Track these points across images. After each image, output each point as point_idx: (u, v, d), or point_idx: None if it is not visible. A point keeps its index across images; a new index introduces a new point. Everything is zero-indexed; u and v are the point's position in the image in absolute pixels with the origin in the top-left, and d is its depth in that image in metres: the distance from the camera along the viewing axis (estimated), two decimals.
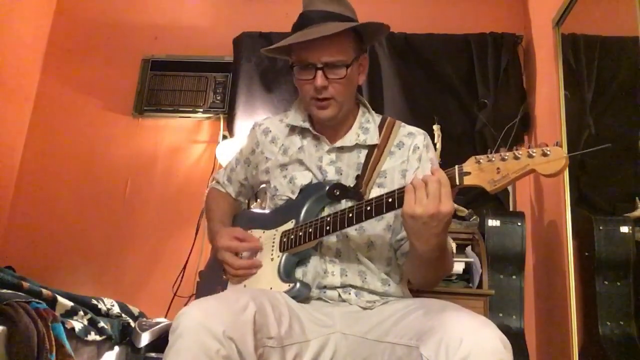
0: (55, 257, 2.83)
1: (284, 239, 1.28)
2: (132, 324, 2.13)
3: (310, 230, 1.23)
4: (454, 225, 2.21)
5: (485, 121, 2.58)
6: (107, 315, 2.05)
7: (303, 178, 1.34)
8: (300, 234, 1.24)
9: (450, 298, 1.70)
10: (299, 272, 1.27)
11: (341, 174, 1.33)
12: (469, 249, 2.17)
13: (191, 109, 2.96)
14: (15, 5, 2.92)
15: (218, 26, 3.09)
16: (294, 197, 1.33)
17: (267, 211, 1.42)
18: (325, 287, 1.25)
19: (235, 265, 1.30)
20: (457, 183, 1.01)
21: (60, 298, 1.74)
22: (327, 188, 1.28)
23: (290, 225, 1.29)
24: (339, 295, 1.25)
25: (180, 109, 2.96)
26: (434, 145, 2.35)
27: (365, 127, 1.37)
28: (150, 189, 2.91)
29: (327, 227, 1.20)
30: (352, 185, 1.29)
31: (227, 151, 2.58)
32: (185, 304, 2.51)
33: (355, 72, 1.32)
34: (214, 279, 1.40)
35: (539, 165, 0.93)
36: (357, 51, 1.31)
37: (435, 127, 2.43)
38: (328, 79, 1.25)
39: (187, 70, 3.00)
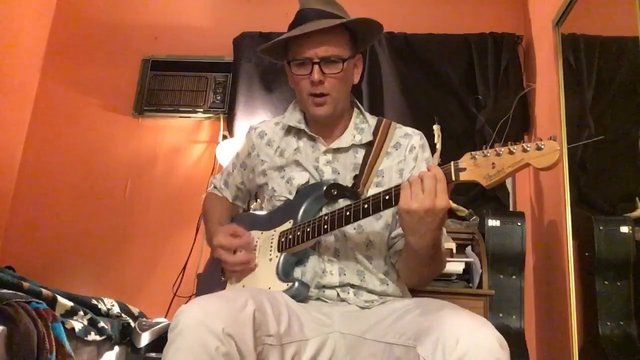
0: (55, 257, 2.83)
1: (282, 239, 1.28)
2: (132, 324, 2.13)
3: (308, 229, 1.23)
4: (454, 225, 2.21)
5: (484, 121, 2.58)
6: (107, 315, 2.05)
7: (300, 178, 1.34)
8: (299, 233, 1.24)
9: (450, 298, 1.70)
10: (297, 272, 1.27)
11: (338, 174, 1.33)
12: (469, 249, 2.17)
13: (191, 109, 2.96)
14: (15, 5, 2.92)
15: (218, 26, 3.09)
16: (291, 197, 1.33)
17: (264, 212, 1.42)
18: (324, 286, 1.26)
19: (230, 261, 1.30)
20: (453, 179, 1.02)
21: (60, 298, 1.74)
22: (325, 188, 1.28)
23: (288, 225, 1.30)
24: (338, 294, 1.25)
25: (180, 109, 2.97)
26: (434, 145, 2.35)
27: (360, 128, 1.38)
28: (150, 189, 2.91)
29: (325, 226, 1.20)
30: (349, 185, 1.29)
31: (227, 151, 2.58)
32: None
33: (350, 70, 1.33)
34: (212, 281, 1.40)
35: (533, 159, 0.94)
36: (352, 50, 1.33)
37: (435, 127, 2.43)
38: (324, 74, 1.26)
39: (187, 70, 3.00)
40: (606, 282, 1.85)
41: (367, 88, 2.73)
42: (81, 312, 1.83)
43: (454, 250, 2.02)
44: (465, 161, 1.02)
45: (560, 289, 2.13)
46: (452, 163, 1.03)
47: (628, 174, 1.91)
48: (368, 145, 1.34)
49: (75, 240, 2.85)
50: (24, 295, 1.57)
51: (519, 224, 2.16)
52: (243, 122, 2.80)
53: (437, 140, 2.40)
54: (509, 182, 2.65)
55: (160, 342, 2.05)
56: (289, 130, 1.42)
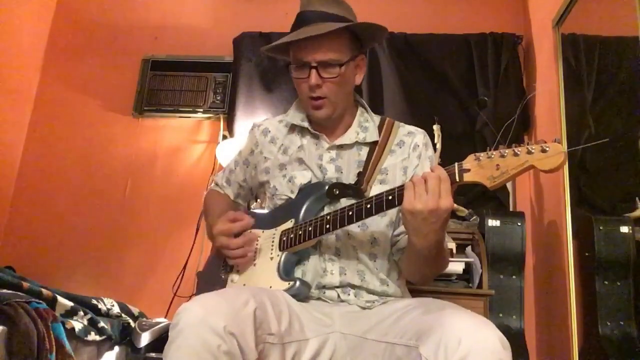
0: (55, 257, 2.83)
1: (284, 238, 1.28)
2: (132, 324, 2.13)
3: (309, 228, 1.23)
4: (454, 225, 2.21)
5: (486, 119, 2.58)
6: (107, 315, 2.05)
7: (302, 177, 1.34)
8: (300, 232, 1.25)
9: (450, 298, 1.70)
10: (298, 271, 1.27)
11: (341, 172, 1.33)
12: (469, 249, 2.17)
13: (191, 109, 2.96)
14: (15, 5, 2.92)
15: (218, 26, 3.09)
16: (293, 196, 1.33)
17: (266, 211, 1.42)
18: (324, 286, 1.26)
19: (231, 245, 1.29)
20: (457, 180, 1.02)
21: (60, 298, 1.74)
22: (327, 187, 1.28)
23: (289, 224, 1.30)
24: (338, 295, 1.25)
25: (180, 109, 2.96)
26: (434, 145, 2.35)
27: (364, 126, 1.38)
28: (150, 189, 2.91)
29: (327, 226, 1.20)
30: (352, 183, 1.29)
31: (227, 151, 2.58)
32: None
33: (350, 72, 1.32)
34: (212, 279, 1.40)
35: (538, 161, 0.94)
36: (354, 51, 1.32)
37: (435, 127, 2.43)
38: (322, 78, 1.26)
39: (187, 70, 3.00)
40: (606, 282, 1.85)
41: (367, 88, 2.73)
42: (81, 312, 1.83)
43: (454, 250, 2.02)
44: (469, 162, 1.02)
45: (560, 289, 2.13)
46: (456, 164, 1.03)
47: (628, 174, 1.91)
48: (372, 144, 1.34)
49: (75, 240, 2.85)
50: (24, 295, 1.57)
51: (519, 224, 2.16)
52: (243, 122, 2.80)
53: (437, 140, 2.40)
54: (509, 182, 2.64)
55: (160, 342, 2.05)
56: (293, 128, 1.42)
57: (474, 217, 2.23)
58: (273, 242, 1.31)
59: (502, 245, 2.14)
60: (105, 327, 1.91)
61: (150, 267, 2.79)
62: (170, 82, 3.00)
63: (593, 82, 2.12)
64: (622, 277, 1.83)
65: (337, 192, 1.27)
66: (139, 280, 2.77)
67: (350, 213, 1.17)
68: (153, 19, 3.15)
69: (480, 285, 1.95)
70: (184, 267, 2.65)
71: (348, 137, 1.35)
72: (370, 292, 1.26)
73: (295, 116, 1.41)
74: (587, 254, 1.94)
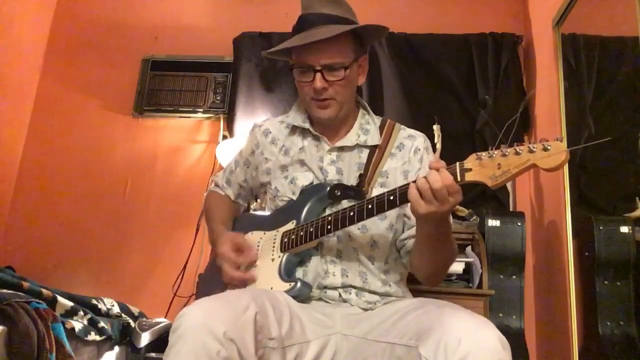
0: (55, 257, 2.83)
1: (285, 239, 1.28)
2: (132, 324, 2.13)
3: (311, 229, 1.23)
4: (454, 225, 2.20)
5: (488, 118, 2.58)
6: (107, 315, 2.05)
7: (304, 179, 1.34)
8: (302, 233, 1.24)
9: (450, 298, 1.70)
10: (299, 272, 1.27)
11: (342, 174, 1.33)
12: (469, 249, 2.17)
13: (191, 109, 2.96)
14: (15, 5, 2.92)
15: (218, 26, 3.09)
16: (295, 197, 1.33)
17: (267, 213, 1.42)
18: (325, 287, 1.25)
19: (228, 276, 1.29)
20: (459, 179, 1.02)
21: (60, 298, 1.74)
22: (328, 189, 1.28)
23: (291, 225, 1.30)
24: (340, 295, 1.25)
25: (180, 109, 2.96)
26: (434, 145, 2.35)
27: (365, 128, 1.38)
28: (150, 189, 2.91)
29: (329, 227, 1.20)
30: (354, 185, 1.29)
31: (227, 151, 2.58)
32: (185, 304, 2.51)
33: (354, 73, 1.32)
34: (214, 281, 1.40)
35: (540, 160, 0.93)
36: (357, 52, 1.31)
37: (435, 127, 2.43)
38: (327, 81, 1.26)
39: (187, 70, 3.00)
40: (606, 282, 1.85)
41: (367, 88, 2.73)
42: (81, 312, 1.83)
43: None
44: (470, 162, 1.02)
45: (560, 289, 2.13)
46: (457, 164, 1.03)
47: (628, 174, 1.91)
48: (372, 146, 1.34)
49: (75, 240, 2.85)
50: (24, 295, 1.57)
51: (519, 224, 2.16)
52: (243, 122, 2.80)
53: (437, 140, 2.40)
54: (509, 182, 2.64)
55: (160, 342, 2.05)
56: (294, 129, 1.41)
57: (474, 217, 2.23)
58: (274, 243, 1.31)
59: (502, 245, 2.14)
60: (105, 327, 1.91)
61: (150, 267, 2.79)
62: (170, 82, 3.00)
63: (593, 82, 2.12)
64: (622, 277, 1.83)
65: (339, 193, 1.27)
66: (139, 280, 2.77)
67: (352, 214, 1.16)
68: (153, 19, 3.15)
69: (480, 285, 1.95)
70: (184, 267, 2.65)
71: (349, 139, 1.35)
72: (372, 292, 1.26)
73: (296, 117, 1.41)
74: (587, 254, 1.94)
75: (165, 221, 2.85)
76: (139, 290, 2.73)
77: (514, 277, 2.16)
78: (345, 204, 1.26)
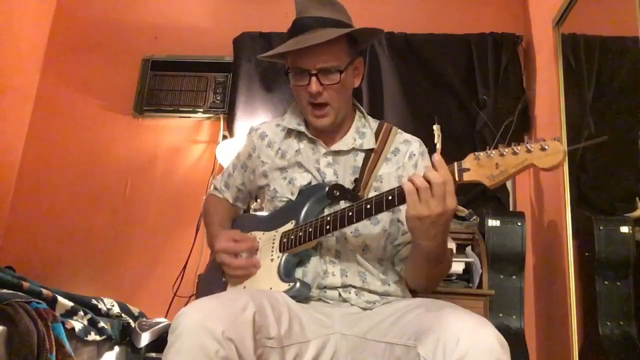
0: (55, 257, 2.83)
1: (284, 240, 1.28)
2: (132, 324, 2.13)
3: (310, 230, 1.23)
4: (454, 225, 2.21)
5: (486, 119, 2.58)
6: (107, 315, 2.05)
7: (303, 179, 1.34)
8: (301, 234, 1.24)
9: (450, 298, 1.70)
10: (299, 273, 1.27)
11: (338, 176, 1.33)
12: (469, 249, 2.17)
13: (191, 109, 2.96)
14: (15, 5, 2.92)
15: (218, 26, 3.09)
16: (293, 198, 1.33)
17: (266, 213, 1.42)
18: (325, 287, 1.25)
19: (233, 265, 1.30)
20: (457, 179, 1.02)
21: (60, 298, 1.74)
22: (327, 188, 1.28)
23: (290, 225, 1.30)
24: (340, 294, 1.25)
25: (180, 109, 2.96)
26: (434, 145, 2.35)
27: (361, 132, 1.38)
28: (150, 189, 2.91)
29: (327, 227, 1.20)
30: (349, 188, 1.29)
31: (227, 151, 2.58)
32: (185, 304, 2.51)
33: (350, 77, 1.32)
34: (213, 282, 1.40)
35: (537, 160, 0.94)
36: (352, 55, 1.32)
37: (435, 127, 2.43)
38: (322, 85, 1.26)
39: (187, 70, 3.00)
40: (606, 282, 1.85)
41: (367, 88, 2.73)
42: (81, 312, 1.83)
43: (454, 250, 2.02)
44: (468, 161, 1.02)
45: (560, 289, 2.13)
46: (455, 163, 1.03)
47: (628, 174, 1.91)
48: (368, 150, 1.34)
49: (75, 240, 2.85)
50: (24, 295, 1.57)
51: (519, 224, 2.16)
52: (243, 122, 2.80)
53: (437, 140, 2.40)
54: (509, 182, 2.65)
55: (160, 342, 2.05)
56: (290, 132, 1.41)
57: (474, 217, 2.23)
58: (273, 243, 1.31)
59: (502, 245, 2.14)
60: (105, 327, 1.91)
61: (150, 267, 2.79)
62: (170, 82, 3.00)
63: (593, 82, 2.12)
64: (622, 277, 1.83)
65: (338, 193, 1.27)
66: (139, 280, 2.77)
67: (350, 213, 1.16)
68: (153, 19, 3.15)
69: (480, 285, 1.95)
70: (184, 267, 2.65)
71: (345, 143, 1.35)
72: (371, 292, 1.26)
73: (291, 121, 1.41)
74: (587, 254, 1.94)
75: (165, 221, 2.85)
76: (139, 290, 2.73)
77: (514, 277, 2.16)
78: (343, 204, 1.26)
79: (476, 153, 1.01)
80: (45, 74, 3.12)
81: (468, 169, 1.01)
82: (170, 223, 2.84)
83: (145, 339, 2.04)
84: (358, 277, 1.26)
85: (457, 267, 1.98)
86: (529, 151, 0.95)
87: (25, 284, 1.64)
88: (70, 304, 1.79)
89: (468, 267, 2.01)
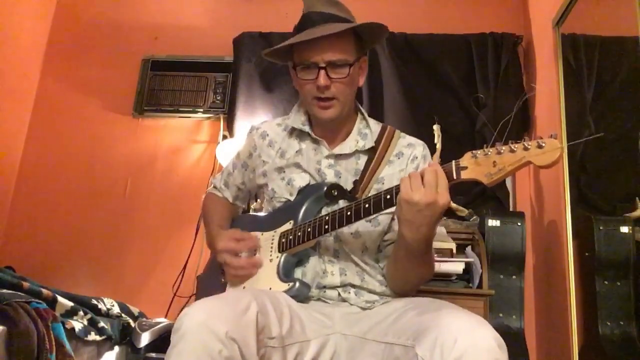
0: (55, 257, 2.83)
1: (283, 240, 1.28)
2: (132, 324, 2.14)
3: (308, 229, 1.23)
4: (454, 225, 2.21)
5: (486, 120, 2.58)
6: (107, 315, 2.05)
7: (301, 180, 1.34)
8: (299, 234, 1.24)
9: (450, 298, 1.70)
10: (298, 273, 1.27)
11: (340, 177, 1.33)
12: (469, 249, 2.17)
13: (191, 109, 2.96)
14: (15, 5, 2.92)
15: (218, 26, 3.09)
16: (292, 198, 1.33)
17: (265, 214, 1.42)
18: (324, 287, 1.26)
19: (234, 264, 1.30)
20: (455, 177, 1.02)
21: (60, 298, 1.74)
22: (325, 188, 1.28)
23: (288, 225, 1.30)
24: (339, 294, 1.25)
25: (180, 109, 2.97)
26: (434, 145, 2.35)
27: (364, 133, 1.38)
28: (150, 189, 2.91)
29: (326, 226, 1.20)
30: (349, 190, 1.29)
31: (227, 151, 2.58)
32: (185, 304, 2.52)
33: (356, 73, 1.33)
34: (212, 282, 1.40)
35: (534, 157, 0.94)
36: (358, 53, 1.32)
37: (435, 127, 2.43)
38: (331, 79, 1.26)
39: (187, 70, 3.00)
40: (606, 282, 1.85)
41: (367, 88, 2.73)
42: (81, 312, 1.83)
43: (454, 250, 2.02)
44: (466, 160, 1.02)
45: (560, 289, 2.13)
46: (453, 162, 1.04)
47: (628, 174, 1.91)
48: (371, 152, 1.34)
49: (75, 240, 2.85)
50: (24, 295, 1.57)
51: (519, 224, 2.16)
52: (243, 122, 2.80)
53: (437, 140, 2.40)
54: (508, 182, 2.65)
55: (160, 342, 2.05)
56: (292, 132, 1.41)
57: (474, 217, 2.23)
58: (272, 244, 1.31)
59: (502, 245, 2.14)
60: (105, 327, 1.91)
61: (150, 267, 2.79)
62: (170, 82, 3.00)
63: (593, 82, 2.12)
64: (622, 277, 1.83)
65: (336, 193, 1.27)
66: (139, 280, 2.77)
67: (349, 213, 1.17)
68: (153, 19, 3.15)
69: (480, 285, 1.95)
70: (184, 267, 2.65)
71: (347, 146, 1.35)
72: (370, 292, 1.26)
73: (296, 120, 1.41)
74: (587, 254, 1.94)
75: (165, 221, 2.85)
76: (139, 290, 2.73)
77: (514, 277, 2.16)
78: (342, 204, 1.26)
79: (473, 151, 1.02)
80: (45, 74, 3.13)
81: (465, 167, 1.02)
82: (170, 223, 2.84)
83: (145, 339, 2.04)
84: (357, 277, 1.26)
85: (457, 267, 1.98)
86: (526, 149, 0.95)
87: (25, 284, 1.64)
88: (70, 304, 1.79)
89: (468, 267, 2.01)
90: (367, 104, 2.70)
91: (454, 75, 2.74)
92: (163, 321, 2.18)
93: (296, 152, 1.38)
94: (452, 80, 2.74)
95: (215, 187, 1.58)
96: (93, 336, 1.82)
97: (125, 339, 2.07)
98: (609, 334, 1.80)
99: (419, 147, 1.37)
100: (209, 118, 2.98)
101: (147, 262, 2.80)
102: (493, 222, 2.16)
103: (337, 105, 1.30)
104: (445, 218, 2.23)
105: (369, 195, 1.17)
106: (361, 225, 1.24)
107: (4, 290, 1.54)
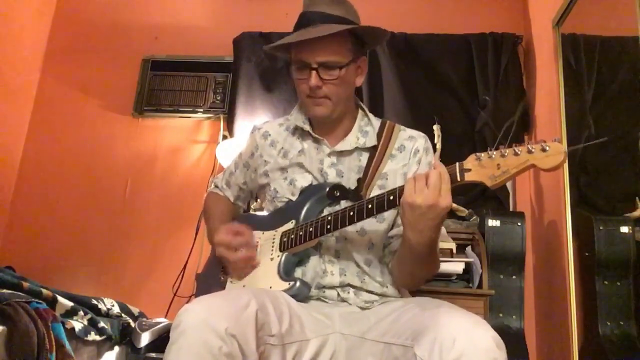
0: (55, 257, 2.83)
1: (284, 239, 1.29)
2: (132, 324, 2.13)
3: (310, 229, 1.23)
4: (454, 225, 2.21)
5: (488, 119, 2.58)
6: (107, 315, 2.05)
7: (303, 180, 1.34)
8: (301, 233, 1.25)
9: (450, 298, 1.70)
10: (298, 272, 1.28)
11: (342, 176, 1.33)
12: (469, 249, 2.17)
13: (191, 109, 2.96)
14: (15, 5, 2.92)
15: (218, 26, 3.09)
16: (294, 198, 1.33)
17: (266, 213, 1.42)
18: (324, 287, 1.26)
19: (230, 259, 1.30)
20: (458, 179, 1.03)
21: (60, 298, 1.74)
22: (328, 189, 1.28)
23: (290, 225, 1.30)
24: (338, 294, 1.25)
25: (180, 109, 2.96)
26: (434, 145, 2.35)
27: (364, 131, 1.38)
28: (150, 189, 2.91)
29: (328, 226, 1.20)
30: (353, 188, 1.29)
31: (227, 151, 2.58)
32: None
33: (351, 74, 1.32)
34: (212, 280, 1.40)
35: (538, 160, 0.95)
36: (355, 53, 1.32)
37: (436, 127, 2.43)
38: (322, 80, 1.26)
39: (187, 70, 3.00)
40: (606, 282, 1.85)
41: (367, 88, 2.73)
42: (81, 312, 1.83)
43: (454, 250, 2.02)
44: (470, 162, 1.03)
45: (560, 289, 2.13)
46: (457, 164, 1.04)
47: (628, 174, 1.91)
48: (372, 149, 1.34)
49: (75, 240, 2.85)
50: (24, 295, 1.57)
51: (519, 224, 2.16)
52: (243, 122, 2.80)
53: (437, 140, 2.40)
54: (509, 183, 2.64)
55: (160, 342, 2.05)
56: (294, 131, 1.42)
57: (474, 217, 2.23)
58: (273, 243, 1.31)
59: (502, 245, 2.14)
60: (105, 327, 1.91)
61: (150, 267, 2.79)
62: (170, 82, 3.00)
63: (593, 82, 2.12)
64: (622, 277, 1.83)
65: (338, 193, 1.27)
66: (139, 280, 2.77)
67: (352, 213, 1.17)
68: (153, 19, 3.15)
69: (480, 285, 1.95)
70: (184, 267, 2.65)
71: (348, 143, 1.35)
72: (370, 292, 1.26)
73: (297, 118, 1.41)
74: (587, 254, 1.94)
75: (165, 221, 2.85)
76: (139, 290, 2.73)
77: (514, 277, 2.16)
78: (344, 204, 1.26)
79: (477, 154, 1.02)
80: (45, 74, 3.12)
81: (469, 170, 1.02)
82: (170, 223, 2.84)
83: (145, 339, 2.04)
84: (357, 277, 1.26)
85: (457, 267, 1.98)
86: (530, 152, 0.96)
87: (25, 284, 1.64)
88: (70, 304, 1.79)
89: (468, 267, 2.01)
90: (367, 104, 2.69)
91: (454, 75, 2.74)
92: (163, 321, 2.18)
93: (299, 152, 1.38)
94: (452, 80, 2.73)
95: (216, 186, 1.58)
96: (93, 336, 1.81)
97: (125, 339, 2.07)
98: (609, 333, 1.80)
99: (420, 139, 1.37)
100: (209, 118, 2.98)
101: (147, 262, 2.80)
102: (493, 222, 2.16)
103: (329, 104, 1.30)
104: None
105: (373, 193, 1.18)
106: (367, 222, 1.24)
107: (4, 290, 1.54)
